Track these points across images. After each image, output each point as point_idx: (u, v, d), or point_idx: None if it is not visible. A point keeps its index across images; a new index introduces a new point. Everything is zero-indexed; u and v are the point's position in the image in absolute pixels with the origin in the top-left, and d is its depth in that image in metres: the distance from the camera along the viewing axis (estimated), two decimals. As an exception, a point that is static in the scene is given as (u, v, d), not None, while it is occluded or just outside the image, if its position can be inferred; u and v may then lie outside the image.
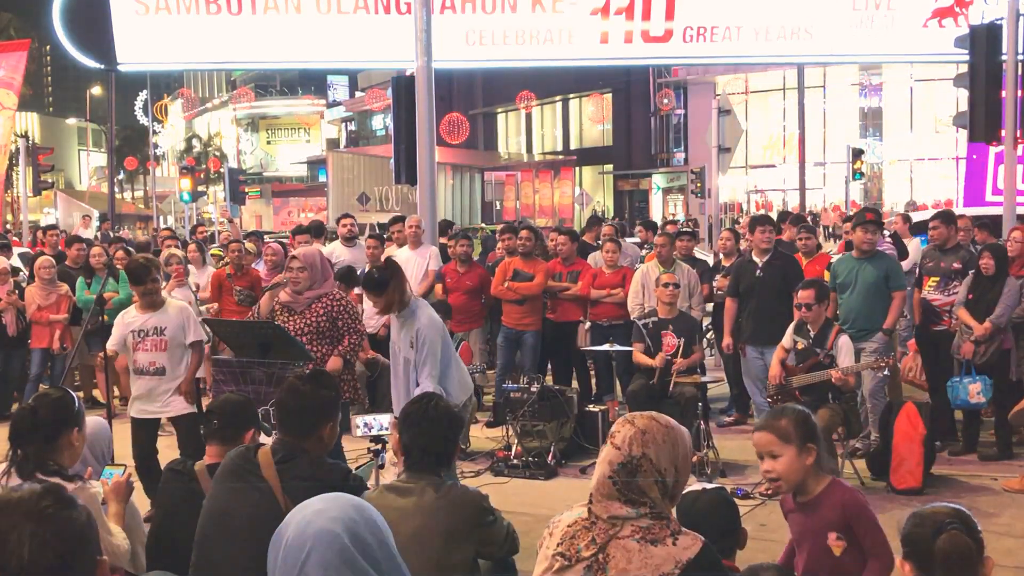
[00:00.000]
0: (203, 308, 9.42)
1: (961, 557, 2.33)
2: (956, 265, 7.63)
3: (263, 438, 4.16)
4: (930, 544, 2.36)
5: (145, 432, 6.17)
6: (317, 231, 11.60)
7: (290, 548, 2.19)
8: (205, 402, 7.06)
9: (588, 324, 9.03)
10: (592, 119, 40.15)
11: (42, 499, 1.80)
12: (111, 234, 21.35)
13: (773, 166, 40.07)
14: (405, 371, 5.62)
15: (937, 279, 7.74)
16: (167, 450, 6.23)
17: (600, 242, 10.47)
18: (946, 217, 8.12)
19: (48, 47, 77.39)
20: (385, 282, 5.53)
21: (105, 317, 8.18)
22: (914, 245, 10.57)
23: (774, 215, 15.71)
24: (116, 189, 45.55)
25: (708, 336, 10.23)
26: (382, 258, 9.57)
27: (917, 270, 8.29)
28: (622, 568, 2.50)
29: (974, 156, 13.37)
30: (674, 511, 2.70)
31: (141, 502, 5.74)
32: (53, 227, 13.41)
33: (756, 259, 8.11)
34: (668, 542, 2.51)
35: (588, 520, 2.61)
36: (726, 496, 3.57)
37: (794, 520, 3.41)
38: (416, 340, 5.51)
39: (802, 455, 3.23)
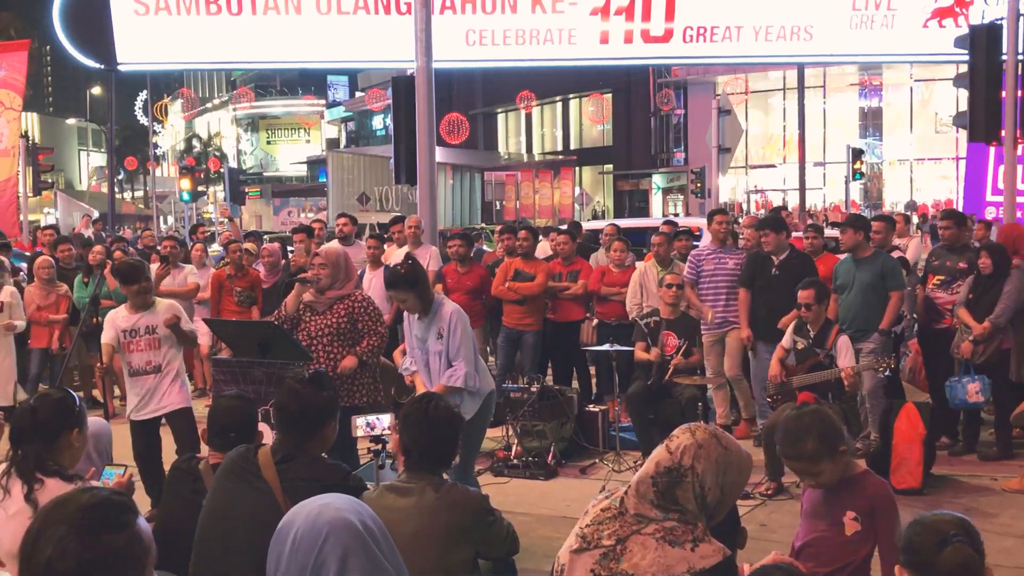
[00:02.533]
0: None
1: (966, 570, 2.31)
2: (962, 265, 7.62)
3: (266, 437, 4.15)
4: (933, 555, 2.34)
5: (145, 433, 6.16)
6: (309, 231, 11.49)
7: (303, 537, 2.24)
8: (205, 403, 7.06)
9: (596, 322, 9.04)
10: (592, 119, 40.13)
11: (90, 511, 1.77)
12: (103, 235, 21.31)
13: (773, 166, 40.04)
14: (437, 363, 5.47)
15: (942, 277, 7.74)
16: (166, 450, 6.23)
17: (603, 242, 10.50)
18: (958, 218, 8.11)
19: (48, 47, 77.41)
20: (414, 278, 5.40)
21: (96, 319, 8.18)
22: (914, 244, 10.58)
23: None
24: (116, 189, 45.58)
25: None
26: (382, 258, 9.59)
27: (923, 267, 8.27)
28: (635, 562, 2.52)
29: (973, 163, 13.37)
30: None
31: (141, 502, 5.75)
32: (50, 227, 13.38)
33: (772, 256, 7.93)
34: (687, 546, 2.53)
35: (618, 510, 2.63)
36: None
37: (813, 493, 3.42)
38: (446, 327, 5.38)
39: (837, 459, 3.30)
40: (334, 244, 8.64)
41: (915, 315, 8.17)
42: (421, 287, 5.40)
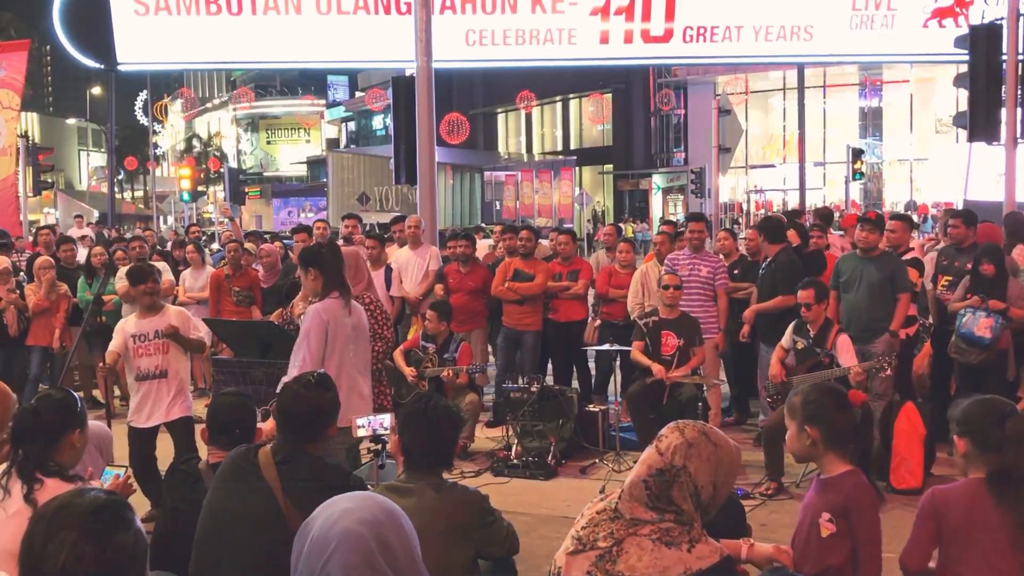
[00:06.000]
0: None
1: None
2: (969, 266, 7.55)
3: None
4: (995, 426, 3.08)
5: (144, 440, 6.15)
6: (311, 232, 11.51)
7: (314, 544, 2.16)
8: (205, 403, 7.06)
9: (599, 322, 9.03)
10: (592, 119, 40.14)
11: (97, 513, 1.79)
12: (105, 234, 21.26)
13: (773, 166, 40.07)
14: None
15: (950, 278, 7.69)
16: (162, 452, 6.23)
17: (604, 241, 10.53)
18: (967, 217, 8.04)
19: (48, 47, 77.42)
20: (308, 256, 5.26)
21: (103, 319, 8.18)
22: (916, 244, 10.54)
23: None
24: (116, 189, 45.59)
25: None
26: (382, 257, 9.58)
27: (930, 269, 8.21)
28: (632, 564, 2.51)
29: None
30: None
31: (140, 504, 5.75)
32: (48, 227, 13.35)
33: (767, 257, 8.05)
34: (683, 547, 2.52)
35: (613, 512, 2.62)
36: (733, 497, 3.58)
37: (809, 492, 3.44)
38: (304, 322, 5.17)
39: (800, 435, 3.29)
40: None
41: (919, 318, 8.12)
42: (322, 268, 5.17)
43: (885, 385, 7.15)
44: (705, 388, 7.59)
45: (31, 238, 18.48)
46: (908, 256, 8.03)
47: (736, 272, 8.71)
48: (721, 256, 9.00)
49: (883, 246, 7.69)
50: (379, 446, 4.51)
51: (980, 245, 7.81)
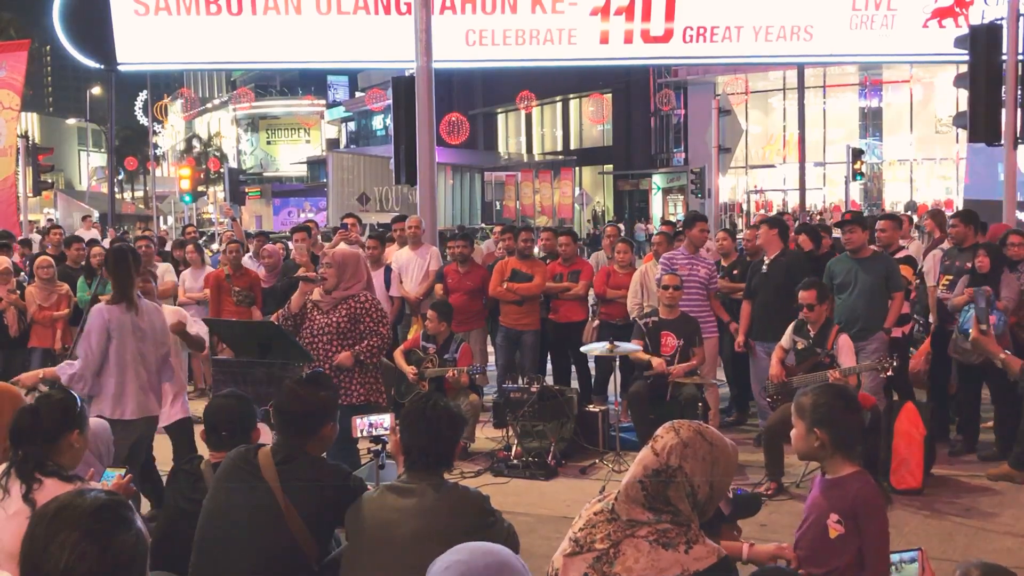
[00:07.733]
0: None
1: None
2: (969, 265, 7.57)
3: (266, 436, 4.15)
4: None
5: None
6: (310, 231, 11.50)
7: None
8: (203, 404, 7.05)
9: (597, 323, 9.03)
10: (592, 119, 40.14)
11: (99, 513, 1.79)
12: (100, 237, 21.19)
13: (773, 166, 40.07)
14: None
15: (951, 277, 7.71)
16: (162, 454, 6.22)
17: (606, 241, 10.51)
18: (966, 216, 8.05)
19: (48, 47, 77.42)
20: (109, 259, 5.52)
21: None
22: (915, 247, 10.55)
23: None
24: (116, 189, 45.60)
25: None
26: (382, 257, 9.59)
27: (935, 268, 8.22)
28: (628, 565, 2.50)
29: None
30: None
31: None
32: (57, 227, 13.36)
33: (764, 256, 8.06)
34: (680, 548, 2.51)
35: (610, 513, 2.62)
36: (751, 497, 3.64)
37: (813, 491, 3.43)
38: None
39: (808, 437, 3.28)
40: (344, 246, 8.61)
41: (916, 316, 8.13)
42: (114, 271, 5.46)
43: (878, 385, 7.17)
44: (704, 388, 7.60)
45: (40, 238, 18.47)
46: (900, 255, 8.06)
47: (736, 272, 8.72)
48: (720, 256, 9.00)
49: (876, 246, 7.74)
50: (379, 446, 4.51)
51: (982, 243, 7.82)
